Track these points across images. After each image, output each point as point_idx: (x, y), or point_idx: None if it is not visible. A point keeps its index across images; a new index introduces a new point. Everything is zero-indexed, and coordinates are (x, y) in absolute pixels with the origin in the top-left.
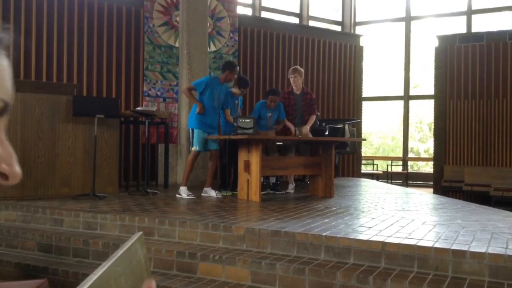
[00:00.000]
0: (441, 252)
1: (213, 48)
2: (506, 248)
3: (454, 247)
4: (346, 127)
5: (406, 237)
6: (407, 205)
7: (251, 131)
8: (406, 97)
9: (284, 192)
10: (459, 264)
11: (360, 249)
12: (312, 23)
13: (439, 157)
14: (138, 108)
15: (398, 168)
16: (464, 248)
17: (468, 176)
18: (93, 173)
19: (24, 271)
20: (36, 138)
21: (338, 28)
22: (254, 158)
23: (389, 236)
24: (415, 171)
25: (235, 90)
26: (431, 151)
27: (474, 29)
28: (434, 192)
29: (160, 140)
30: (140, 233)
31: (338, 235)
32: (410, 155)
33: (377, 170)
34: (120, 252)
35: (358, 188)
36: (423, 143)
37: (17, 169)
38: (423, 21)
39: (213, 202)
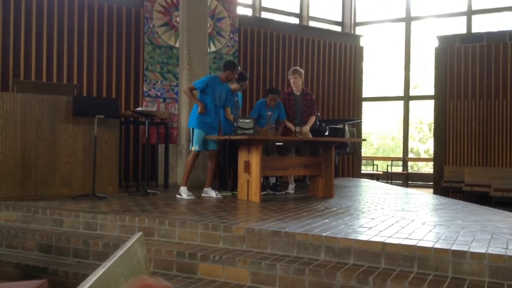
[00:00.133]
0: (441, 253)
1: (213, 49)
2: (506, 248)
3: (454, 248)
4: (346, 127)
5: (406, 238)
6: (407, 206)
7: (251, 131)
8: (406, 98)
9: (284, 192)
10: (459, 264)
11: (360, 250)
12: (312, 24)
13: (439, 158)
14: (138, 109)
15: (398, 169)
16: (464, 248)
17: (468, 176)
18: (93, 174)
19: (24, 272)
20: (36, 138)
21: (338, 29)
22: (254, 159)
23: (389, 237)
24: (415, 172)
25: (234, 86)
26: (431, 151)
27: (474, 30)
28: (434, 193)
29: (160, 141)
30: (140, 233)
31: (338, 236)
32: (410, 155)
33: (377, 170)
34: (120, 252)
35: (358, 188)
36: (423, 143)
37: None
38: (423, 22)
39: (213, 202)
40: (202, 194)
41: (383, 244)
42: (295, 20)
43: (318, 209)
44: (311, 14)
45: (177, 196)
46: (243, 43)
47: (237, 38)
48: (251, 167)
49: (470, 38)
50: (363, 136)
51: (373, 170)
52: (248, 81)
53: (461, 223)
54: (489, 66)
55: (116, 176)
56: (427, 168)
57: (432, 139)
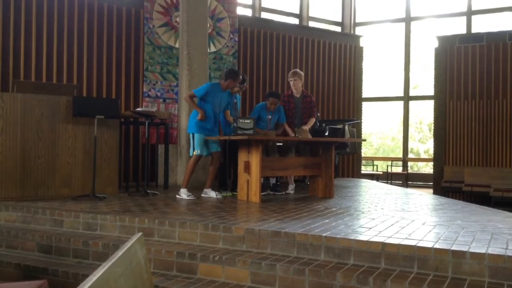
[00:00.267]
0: (441, 253)
1: (213, 49)
2: (506, 248)
3: (454, 248)
4: (346, 127)
5: (406, 238)
6: (407, 206)
7: (251, 131)
8: (406, 98)
9: (284, 192)
10: (459, 264)
11: (360, 250)
12: (312, 24)
13: (439, 158)
14: (138, 109)
15: (398, 169)
16: (464, 248)
17: (468, 176)
18: (93, 174)
19: (24, 272)
20: (36, 138)
21: (338, 29)
22: (254, 159)
23: (389, 237)
24: (415, 172)
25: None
26: (431, 151)
27: (474, 30)
28: (434, 193)
29: (160, 141)
30: (140, 234)
31: (338, 236)
32: (410, 155)
33: (377, 170)
34: (120, 253)
35: (358, 188)
36: (423, 143)
37: None
38: (423, 22)
39: (213, 203)
40: (202, 195)
41: (383, 244)
42: (295, 21)
43: (318, 209)
44: (311, 14)
45: (177, 196)
46: (243, 44)
47: (237, 39)
48: (251, 168)
49: (470, 38)
50: (363, 136)
51: (373, 170)
52: (247, 83)
53: (461, 223)
54: (489, 66)
55: (116, 176)
56: (427, 168)
57: (432, 139)
